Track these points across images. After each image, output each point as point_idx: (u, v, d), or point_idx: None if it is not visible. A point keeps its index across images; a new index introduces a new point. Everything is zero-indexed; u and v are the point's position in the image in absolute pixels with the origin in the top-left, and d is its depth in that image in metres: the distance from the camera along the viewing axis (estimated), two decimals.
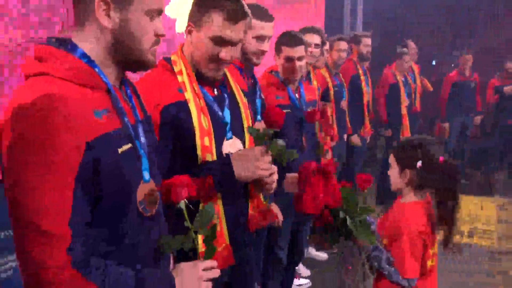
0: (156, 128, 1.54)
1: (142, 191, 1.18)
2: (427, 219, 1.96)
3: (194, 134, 1.59)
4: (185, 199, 1.28)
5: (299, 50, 2.62)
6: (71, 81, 1.07)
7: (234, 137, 1.71)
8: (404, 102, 5.31)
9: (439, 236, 2.02)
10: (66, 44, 1.13)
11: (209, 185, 1.59)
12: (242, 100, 1.83)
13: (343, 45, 4.25)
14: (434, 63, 8.22)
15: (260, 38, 2.22)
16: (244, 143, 1.75)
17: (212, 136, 1.63)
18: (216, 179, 1.59)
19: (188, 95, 1.62)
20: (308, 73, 3.37)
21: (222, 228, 1.66)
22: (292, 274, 3.12)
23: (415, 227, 1.92)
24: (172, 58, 1.70)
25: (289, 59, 2.61)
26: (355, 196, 1.81)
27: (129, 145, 1.15)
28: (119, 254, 1.14)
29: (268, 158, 1.63)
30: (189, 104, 1.61)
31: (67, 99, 1.02)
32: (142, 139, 1.21)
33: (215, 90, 1.74)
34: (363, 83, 4.62)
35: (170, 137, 1.60)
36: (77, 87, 1.08)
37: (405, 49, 5.42)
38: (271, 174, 1.71)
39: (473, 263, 4.04)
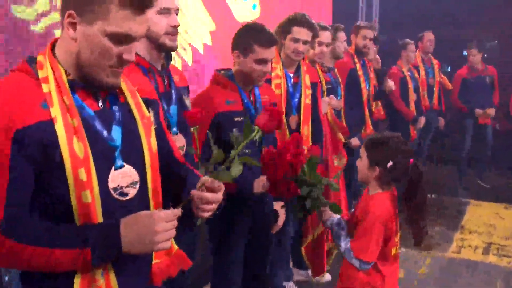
0: (4, 161, 1.13)
1: None
2: (392, 209, 2.03)
3: (63, 166, 1.17)
4: None
5: (273, 52, 2.26)
6: None
7: (126, 165, 1.28)
8: (412, 96, 4.82)
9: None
10: None
11: (85, 260, 1.17)
12: (141, 113, 1.37)
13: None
14: (465, 53, 7.43)
15: (166, 12, 1.77)
16: (141, 173, 1.32)
17: (91, 166, 1.20)
18: (96, 253, 1.17)
19: (55, 111, 1.18)
20: (298, 68, 2.88)
21: (110, 283, 1.25)
22: None
23: (380, 213, 1.99)
24: (39, 58, 1.25)
25: (261, 62, 2.22)
26: (315, 164, 2.02)
27: None
28: None
29: (173, 224, 1.22)
30: (55, 125, 1.18)
31: None
32: None
33: (100, 102, 1.29)
34: (362, 79, 4.07)
35: (28, 173, 1.17)
36: None
37: (407, 40, 4.92)
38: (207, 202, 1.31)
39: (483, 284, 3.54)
